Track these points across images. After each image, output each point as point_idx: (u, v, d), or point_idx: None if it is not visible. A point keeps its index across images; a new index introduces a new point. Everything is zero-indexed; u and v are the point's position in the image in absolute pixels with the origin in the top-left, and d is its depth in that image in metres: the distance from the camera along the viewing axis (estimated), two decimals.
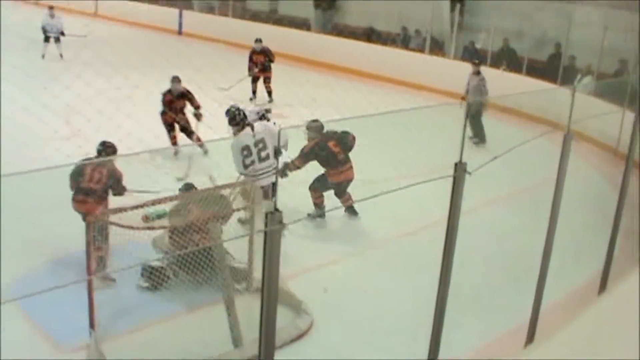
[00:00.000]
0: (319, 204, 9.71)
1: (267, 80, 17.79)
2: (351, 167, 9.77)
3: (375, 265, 8.70)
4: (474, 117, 13.87)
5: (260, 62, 17.64)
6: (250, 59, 17.80)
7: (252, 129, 8.96)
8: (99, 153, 8.27)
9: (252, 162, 8.82)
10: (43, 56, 21.02)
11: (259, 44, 17.75)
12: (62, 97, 10.38)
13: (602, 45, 16.71)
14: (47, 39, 21.21)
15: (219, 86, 15.85)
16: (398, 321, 7.36)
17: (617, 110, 12.08)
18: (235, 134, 8.92)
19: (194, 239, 7.14)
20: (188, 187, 7.96)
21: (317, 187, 9.70)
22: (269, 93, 17.70)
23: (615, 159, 12.83)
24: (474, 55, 20.12)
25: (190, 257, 6.99)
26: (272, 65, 17.56)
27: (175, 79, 11.90)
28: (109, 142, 8.33)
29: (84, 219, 6.97)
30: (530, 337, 6.65)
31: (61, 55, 21.12)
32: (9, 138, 9.64)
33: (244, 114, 9.28)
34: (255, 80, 17.91)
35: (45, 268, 7.85)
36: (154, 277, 7.53)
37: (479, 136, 14.28)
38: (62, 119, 10.32)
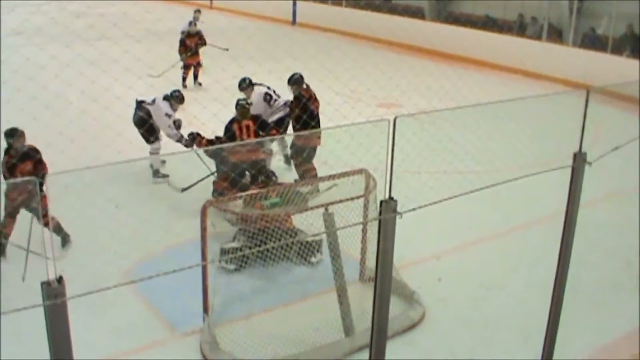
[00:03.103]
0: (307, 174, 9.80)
1: (199, 65, 17.25)
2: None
3: (489, 258, 8.53)
4: None
5: (194, 45, 17.02)
6: (183, 43, 16.93)
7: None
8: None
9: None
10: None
11: (194, 27, 17.14)
12: (178, 85, 10.63)
13: None
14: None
15: (148, 73, 15.23)
16: (512, 316, 7.20)
17: None
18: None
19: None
20: None
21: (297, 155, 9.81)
22: (196, 76, 17.19)
23: None
24: (594, 42, 19.46)
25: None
26: (385, 53, 16.97)
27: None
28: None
29: None
30: None
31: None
32: (127, 125, 9.95)
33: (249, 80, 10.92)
34: (188, 67, 17.01)
35: (164, 254, 8.05)
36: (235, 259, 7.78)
37: None
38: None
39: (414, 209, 3.82)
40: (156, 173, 10.58)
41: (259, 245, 7.44)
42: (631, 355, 6.45)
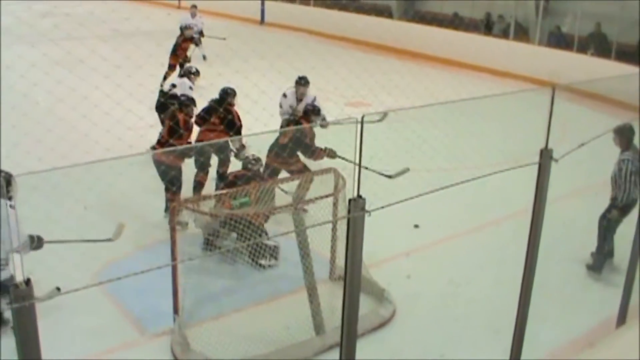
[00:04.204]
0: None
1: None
2: None
3: (458, 255, 8.60)
4: None
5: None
6: (179, 47, 16.77)
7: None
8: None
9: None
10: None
11: (190, 31, 16.94)
12: (146, 85, 10.55)
13: None
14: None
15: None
16: (481, 312, 7.26)
17: None
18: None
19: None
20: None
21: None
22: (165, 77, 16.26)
23: None
24: (560, 41, 19.67)
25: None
26: (353, 52, 17.01)
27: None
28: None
29: None
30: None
31: (204, 57, 19.46)
32: (93, 125, 9.85)
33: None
34: (173, 67, 16.39)
35: (134, 255, 8.02)
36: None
37: None
38: (146, 107, 10.49)
39: (382, 207, 3.84)
40: None
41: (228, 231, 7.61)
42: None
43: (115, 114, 8.69)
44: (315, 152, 9.18)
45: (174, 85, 11.29)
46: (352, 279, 3.79)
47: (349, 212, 3.62)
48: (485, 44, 20.93)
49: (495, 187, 8.60)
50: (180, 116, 9.08)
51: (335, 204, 7.20)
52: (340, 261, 7.36)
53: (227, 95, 9.59)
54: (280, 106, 10.82)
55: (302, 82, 10.73)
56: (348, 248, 3.72)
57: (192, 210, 7.21)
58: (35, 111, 11.04)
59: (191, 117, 9.28)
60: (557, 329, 6.94)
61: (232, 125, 9.16)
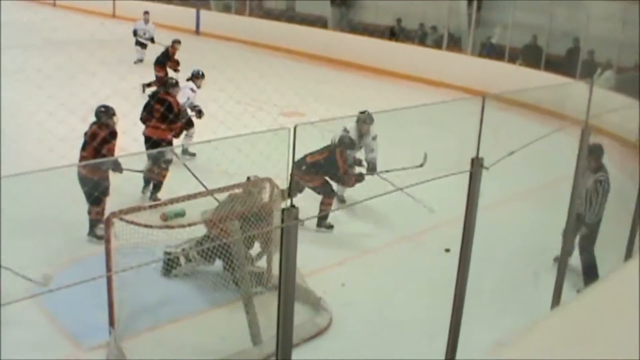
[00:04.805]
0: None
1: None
2: None
3: (393, 262, 8.69)
4: None
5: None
6: (172, 58, 17.19)
7: None
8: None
9: None
10: (141, 60, 20.49)
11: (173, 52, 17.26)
12: (78, 95, 10.42)
13: (620, 39, 16.61)
14: (137, 43, 20.69)
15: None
16: (416, 318, 7.34)
17: (636, 104, 11.96)
18: None
19: (211, 235, 7.25)
20: None
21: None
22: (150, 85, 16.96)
23: (635, 153, 12.70)
24: (491, 51, 20.06)
25: (210, 253, 7.11)
26: (287, 62, 17.13)
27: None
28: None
29: None
30: None
31: (141, 60, 20.53)
32: (25, 137, 9.70)
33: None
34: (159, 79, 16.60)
35: (70, 268, 7.90)
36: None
37: None
38: (78, 117, 10.34)
39: (315, 217, 3.87)
40: (185, 152, 12.00)
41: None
42: None
43: (48, 124, 8.56)
44: (346, 180, 9.40)
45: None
46: (286, 288, 3.81)
47: (282, 221, 3.65)
48: (419, 54, 21.21)
49: (430, 194, 8.75)
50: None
51: (270, 214, 7.21)
52: (277, 271, 7.36)
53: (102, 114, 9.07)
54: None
55: (367, 120, 10.18)
56: (282, 257, 3.74)
57: (127, 222, 7.14)
58: None
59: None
60: (493, 331, 7.04)
61: (112, 138, 8.95)
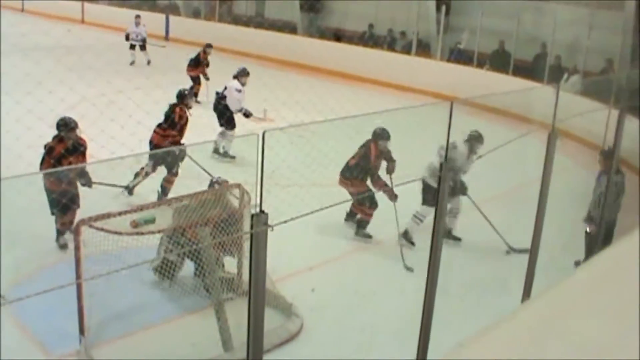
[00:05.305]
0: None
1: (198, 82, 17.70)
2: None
3: (363, 267, 8.72)
4: None
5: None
6: (202, 62, 17.55)
7: None
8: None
9: None
10: (133, 62, 21.64)
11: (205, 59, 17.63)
12: (45, 103, 10.33)
13: (587, 44, 16.84)
14: (132, 47, 21.78)
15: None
16: (388, 321, 7.38)
17: (602, 108, 12.13)
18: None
19: (180, 242, 7.20)
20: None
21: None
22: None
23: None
24: (460, 56, 20.20)
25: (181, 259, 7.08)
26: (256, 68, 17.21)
27: None
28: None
29: None
30: None
31: (149, 62, 21.78)
32: None
33: None
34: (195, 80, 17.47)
35: (39, 275, 7.83)
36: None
37: None
38: (46, 124, 10.24)
39: (285, 222, 3.89)
40: (225, 154, 11.80)
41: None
42: None
43: (16, 131, 8.48)
44: (377, 181, 9.21)
45: (225, 88, 12.45)
46: (256, 293, 3.83)
47: (251, 227, 3.66)
48: (388, 59, 21.28)
49: (401, 199, 8.79)
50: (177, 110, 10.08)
51: (240, 220, 7.20)
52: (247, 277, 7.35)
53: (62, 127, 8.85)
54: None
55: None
56: (252, 263, 3.75)
57: (96, 229, 7.10)
58: None
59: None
60: (460, 333, 7.10)
61: (74, 151, 8.77)
